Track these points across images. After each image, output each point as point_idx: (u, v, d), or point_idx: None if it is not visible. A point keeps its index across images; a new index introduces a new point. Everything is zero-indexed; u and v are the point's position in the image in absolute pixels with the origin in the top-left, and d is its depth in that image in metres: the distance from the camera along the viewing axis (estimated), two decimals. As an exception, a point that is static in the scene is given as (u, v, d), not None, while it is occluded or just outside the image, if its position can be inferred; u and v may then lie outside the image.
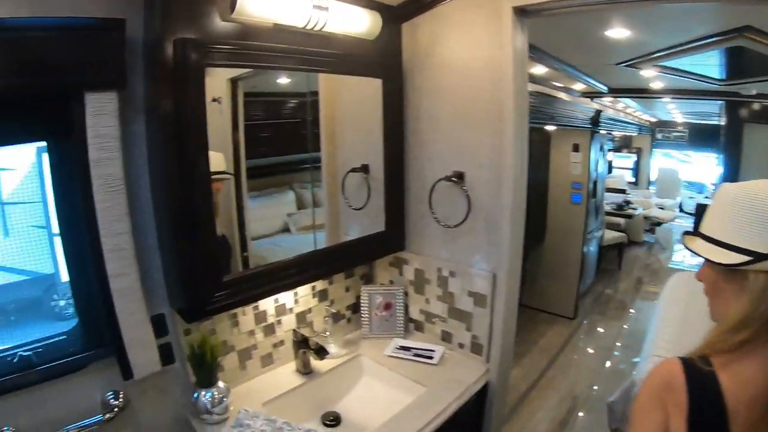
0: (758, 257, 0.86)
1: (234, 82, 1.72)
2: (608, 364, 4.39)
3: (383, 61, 2.04)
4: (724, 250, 0.91)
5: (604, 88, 5.01)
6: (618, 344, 4.77)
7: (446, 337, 2.20)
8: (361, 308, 2.34)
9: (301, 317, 2.15)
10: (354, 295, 2.39)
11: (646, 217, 8.44)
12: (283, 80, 1.93)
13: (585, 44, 3.05)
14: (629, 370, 4.15)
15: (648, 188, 11.07)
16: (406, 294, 2.32)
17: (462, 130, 1.95)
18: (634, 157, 11.42)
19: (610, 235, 6.74)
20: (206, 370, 1.68)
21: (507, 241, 1.89)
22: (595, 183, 5.37)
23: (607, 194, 8.03)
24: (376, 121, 2.09)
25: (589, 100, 5.33)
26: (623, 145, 11.33)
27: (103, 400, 1.57)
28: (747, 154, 4.77)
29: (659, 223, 8.81)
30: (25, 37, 1.22)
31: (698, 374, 0.89)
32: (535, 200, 4.93)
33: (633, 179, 11.22)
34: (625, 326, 5.21)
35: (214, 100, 1.60)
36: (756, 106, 4.76)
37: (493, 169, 1.86)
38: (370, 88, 2.04)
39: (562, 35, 2.81)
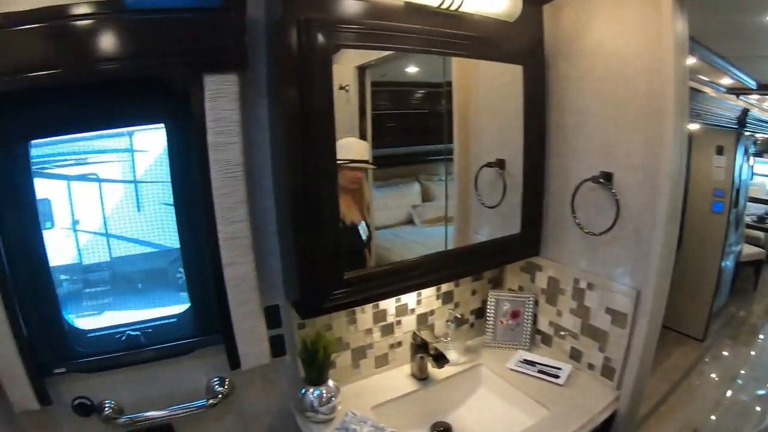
0: None
1: (362, 69, 1.69)
2: (729, 393, 3.90)
3: (524, 45, 1.86)
4: None
5: (753, 84, 4.44)
6: (743, 372, 4.23)
7: (575, 355, 1.98)
8: (487, 314, 2.18)
9: (423, 319, 2.07)
10: (480, 299, 2.24)
11: (789, 232, 7.48)
12: (412, 69, 1.88)
13: (741, 32, 2.66)
14: (751, 403, 3.72)
15: (793, 199, 9.85)
16: (536, 303, 2.13)
17: (612, 126, 1.72)
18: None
19: (749, 251, 6.03)
20: (317, 368, 1.64)
21: (657, 255, 1.63)
22: (737, 191, 4.80)
23: (748, 204, 7.24)
24: (514, 113, 1.91)
25: (734, 97, 4.76)
26: (764, 149, 10.19)
27: (209, 385, 1.60)
28: None
29: (804, 240, 7.78)
30: (144, 18, 1.21)
31: None
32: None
33: (776, 188, 10.05)
34: (752, 353, 4.61)
35: (342, 87, 1.57)
36: None
37: (648, 172, 1.61)
38: (508, 76, 1.88)
39: (718, 21, 2.46)
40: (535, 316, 2.13)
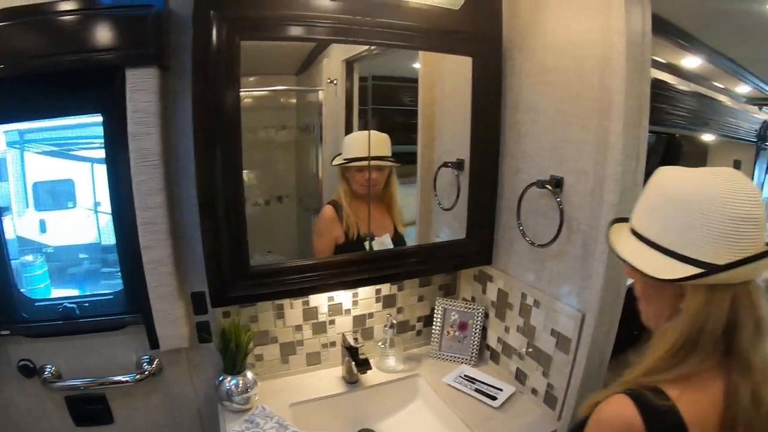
0: (713, 269, 0.73)
1: (349, 63, 1.70)
2: None
3: (472, 35, 1.70)
4: (664, 258, 0.79)
5: (773, 93, 4.13)
6: None
7: (521, 377, 1.80)
8: (434, 323, 2.03)
9: (360, 321, 1.99)
10: (429, 305, 2.09)
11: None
12: (401, 64, 1.88)
13: (744, 27, 2.39)
14: None
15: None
16: (486, 316, 1.96)
17: (563, 125, 1.53)
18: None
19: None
20: (230, 358, 1.64)
21: (601, 275, 1.41)
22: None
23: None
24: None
25: (756, 108, 4.45)
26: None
27: (138, 362, 1.68)
28: None
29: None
30: (70, 15, 1.32)
31: (657, 413, 0.74)
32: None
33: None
34: None
35: (330, 81, 1.66)
36: None
37: (598, 178, 1.42)
38: (466, 70, 1.75)
39: (715, 14, 2.24)
40: (484, 330, 1.96)
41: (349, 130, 1.76)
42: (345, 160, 1.74)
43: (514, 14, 1.72)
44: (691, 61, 2.92)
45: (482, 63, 1.73)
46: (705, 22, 2.38)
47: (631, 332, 4.04)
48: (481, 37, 1.71)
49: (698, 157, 4.13)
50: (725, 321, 0.76)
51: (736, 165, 4.09)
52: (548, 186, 1.54)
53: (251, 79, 1.56)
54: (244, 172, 1.48)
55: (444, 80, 1.89)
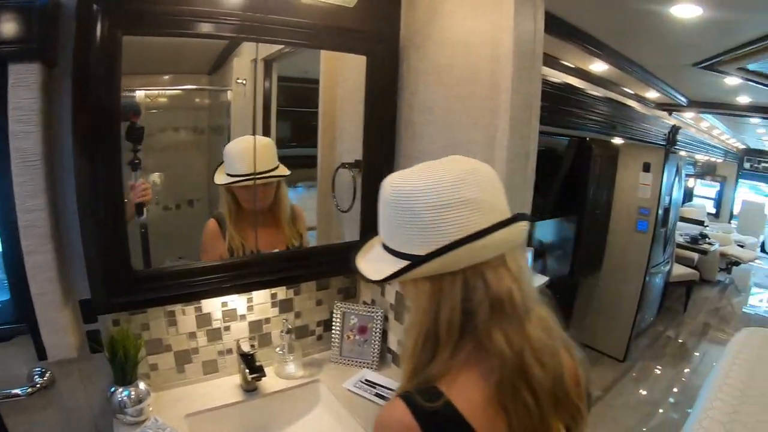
0: (415, 261, 0.74)
1: (261, 63, 1.65)
2: (652, 422, 3.76)
3: (367, 33, 1.67)
4: (391, 259, 0.79)
5: (683, 100, 4.33)
6: (667, 398, 4.14)
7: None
8: (333, 327, 1.97)
9: (256, 327, 1.89)
10: (328, 309, 2.03)
11: (722, 255, 7.50)
12: (310, 64, 1.83)
13: (648, 32, 2.46)
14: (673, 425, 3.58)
15: (730, 222, 9.99)
16: (386, 319, 1.91)
17: (457, 124, 1.51)
18: (717, 187, 10.36)
19: (680, 271, 5.97)
20: (119, 368, 1.55)
21: None
22: (666, 210, 4.70)
23: (682, 224, 7.24)
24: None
25: (666, 114, 4.66)
26: (706, 171, 10.32)
27: (30, 374, 1.56)
28: None
29: (737, 263, 7.80)
30: None
31: (429, 412, 0.72)
32: (593, 224, 4.35)
33: (714, 210, 10.20)
34: (677, 373, 4.54)
35: (239, 80, 1.61)
36: None
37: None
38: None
39: (619, 17, 2.26)
40: (384, 333, 1.92)
41: (255, 132, 1.69)
42: (228, 175, 1.66)
43: (411, 12, 1.69)
44: (600, 66, 2.99)
45: (377, 62, 1.71)
46: (612, 28, 2.43)
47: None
48: (376, 36, 1.68)
49: (609, 159, 4.28)
50: (460, 307, 0.75)
51: (646, 167, 4.28)
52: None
53: (165, 77, 1.51)
54: (155, 174, 1.43)
55: (346, 80, 1.85)
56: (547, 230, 4.31)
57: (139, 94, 1.52)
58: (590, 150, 3.95)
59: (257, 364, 1.69)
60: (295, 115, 1.85)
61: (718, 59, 2.79)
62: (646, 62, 3.12)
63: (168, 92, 1.60)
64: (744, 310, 6.75)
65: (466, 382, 0.75)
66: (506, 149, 1.28)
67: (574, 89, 3.02)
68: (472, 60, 1.43)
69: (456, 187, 0.74)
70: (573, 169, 3.98)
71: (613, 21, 2.32)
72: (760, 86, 3.35)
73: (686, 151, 5.17)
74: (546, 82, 2.69)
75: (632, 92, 3.95)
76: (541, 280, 4.06)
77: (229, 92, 1.70)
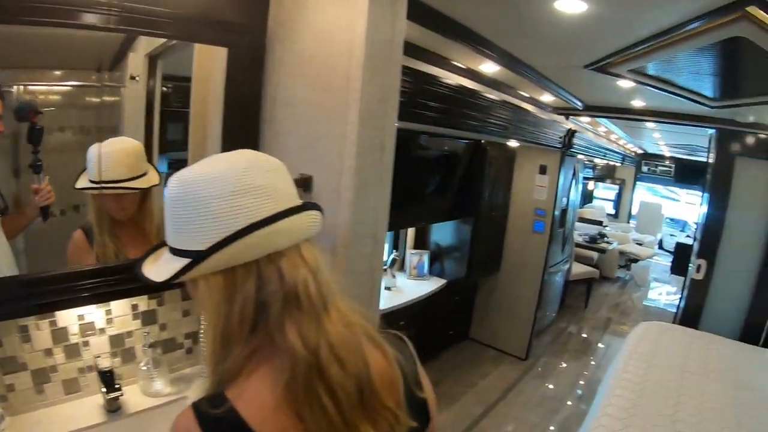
0: (207, 252, 0.68)
1: (152, 59, 1.55)
2: (559, 415, 3.84)
3: (229, 24, 1.54)
4: (178, 260, 0.73)
5: (579, 104, 4.47)
6: (574, 391, 4.26)
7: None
8: (200, 340, 1.85)
9: (118, 341, 1.72)
10: (197, 321, 1.89)
11: (621, 253, 7.92)
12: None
13: (536, 31, 2.44)
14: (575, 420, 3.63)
15: (628, 222, 10.64)
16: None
17: (316, 118, 1.43)
18: (616, 189, 10.99)
19: (579, 269, 6.22)
20: None
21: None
22: (564, 211, 4.85)
23: (582, 225, 7.57)
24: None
25: (563, 118, 4.80)
26: (606, 174, 10.90)
27: None
28: (736, 193, 4.28)
29: (635, 260, 8.29)
30: None
31: (213, 420, 0.68)
32: (491, 225, 4.41)
33: (613, 211, 10.83)
34: (585, 372, 4.65)
35: (132, 78, 1.53)
36: (750, 140, 4.23)
37: (339, 174, 1.30)
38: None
39: (505, 14, 2.22)
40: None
41: (149, 135, 1.60)
42: (90, 181, 1.50)
43: (279, 2, 1.59)
44: (491, 67, 2.99)
45: (238, 54, 1.58)
46: (499, 27, 2.40)
47: (447, 332, 4.09)
48: (239, 26, 1.56)
49: (505, 162, 4.34)
50: (254, 300, 0.70)
51: (542, 170, 4.38)
52: (299, 187, 1.38)
53: (57, 72, 1.43)
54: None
55: (215, 76, 1.72)
56: (444, 232, 4.32)
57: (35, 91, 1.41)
58: (485, 152, 3.99)
59: (116, 381, 1.57)
60: (179, 116, 1.73)
61: (607, 60, 2.79)
62: (536, 63, 3.14)
63: (56, 89, 1.48)
64: (644, 303, 7.12)
65: (259, 383, 0.70)
66: (355, 143, 1.18)
67: (471, 91, 3.00)
68: (331, 50, 1.35)
69: (246, 173, 0.70)
70: (469, 171, 4.00)
71: (498, 18, 2.28)
72: (654, 89, 3.44)
73: (584, 154, 5.36)
74: (440, 84, 2.66)
75: (528, 95, 4.01)
76: (438, 282, 4.07)
77: (122, 90, 1.58)
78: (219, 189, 0.69)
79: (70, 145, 1.56)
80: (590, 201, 10.49)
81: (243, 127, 1.65)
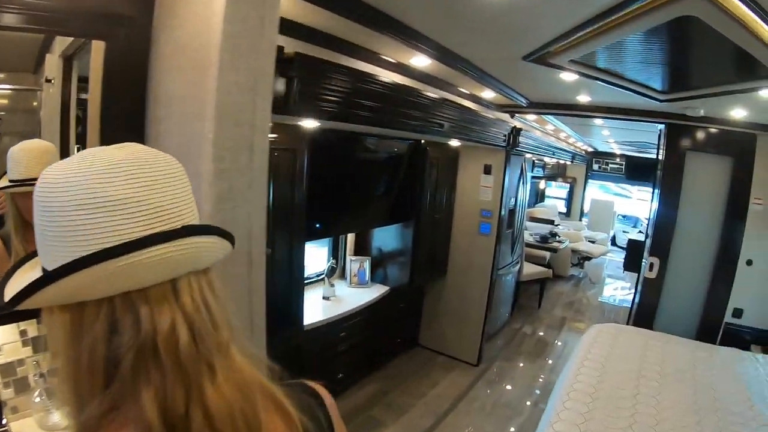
0: (40, 280, 0.50)
1: (66, 60, 1.45)
2: (521, 417, 3.73)
3: (108, 14, 1.36)
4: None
5: (523, 101, 4.35)
6: (533, 391, 4.16)
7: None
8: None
9: (9, 370, 1.57)
10: None
11: (574, 251, 7.92)
12: None
13: (466, 17, 2.23)
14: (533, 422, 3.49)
15: (580, 220, 10.72)
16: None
17: (188, 115, 1.22)
18: (568, 187, 11.08)
19: (531, 270, 6.14)
20: None
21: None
22: (512, 211, 4.73)
23: (534, 225, 7.52)
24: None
25: (508, 116, 4.69)
26: (557, 173, 10.96)
27: None
28: (688, 189, 4.26)
29: (588, 258, 8.31)
30: None
31: None
32: (434, 229, 4.26)
33: (565, 210, 10.91)
34: (541, 374, 4.54)
35: (48, 80, 1.46)
36: (700, 134, 4.21)
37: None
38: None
39: (433, 2, 2.05)
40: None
41: (64, 140, 1.50)
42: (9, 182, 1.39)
43: None
44: (422, 61, 2.82)
45: (116, 47, 1.40)
46: (425, 15, 2.23)
47: (393, 341, 3.89)
48: (116, 16, 1.37)
49: (448, 162, 4.20)
50: (104, 350, 0.53)
51: (487, 169, 4.26)
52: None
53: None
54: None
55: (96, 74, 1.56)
56: (386, 237, 4.14)
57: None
58: (426, 153, 3.83)
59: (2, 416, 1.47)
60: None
61: (547, 50, 2.62)
62: (472, 56, 2.96)
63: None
64: (600, 300, 7.13)
65: None
66: (212, 143, 0.98)
67: (407, 89, 2.84)
68: (204, 39, 1.14)
69: (103, 180, 0.51)
70: (409, 173, 3.84)
71: (427, 7, 2.11)
72: (600, 83, 3.33)
73: (531, 153, 5.27)
74: (374, 81, 2.48)
75: (468, 92, 3.87)
76: (380, 290, 3.89)
77: (39, 93, 1.49)
78: (65, 199, 0.51)
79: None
80: (542, 200, 10.53)
81: (122, 130, 1.45)
